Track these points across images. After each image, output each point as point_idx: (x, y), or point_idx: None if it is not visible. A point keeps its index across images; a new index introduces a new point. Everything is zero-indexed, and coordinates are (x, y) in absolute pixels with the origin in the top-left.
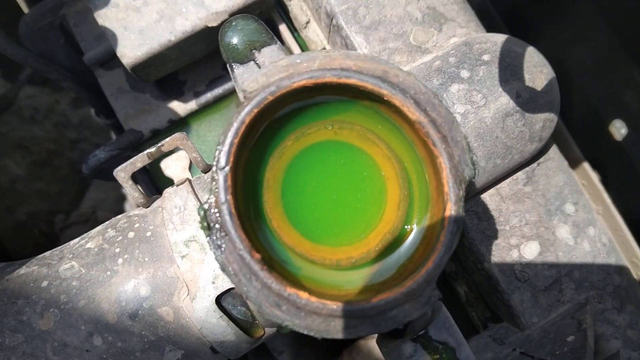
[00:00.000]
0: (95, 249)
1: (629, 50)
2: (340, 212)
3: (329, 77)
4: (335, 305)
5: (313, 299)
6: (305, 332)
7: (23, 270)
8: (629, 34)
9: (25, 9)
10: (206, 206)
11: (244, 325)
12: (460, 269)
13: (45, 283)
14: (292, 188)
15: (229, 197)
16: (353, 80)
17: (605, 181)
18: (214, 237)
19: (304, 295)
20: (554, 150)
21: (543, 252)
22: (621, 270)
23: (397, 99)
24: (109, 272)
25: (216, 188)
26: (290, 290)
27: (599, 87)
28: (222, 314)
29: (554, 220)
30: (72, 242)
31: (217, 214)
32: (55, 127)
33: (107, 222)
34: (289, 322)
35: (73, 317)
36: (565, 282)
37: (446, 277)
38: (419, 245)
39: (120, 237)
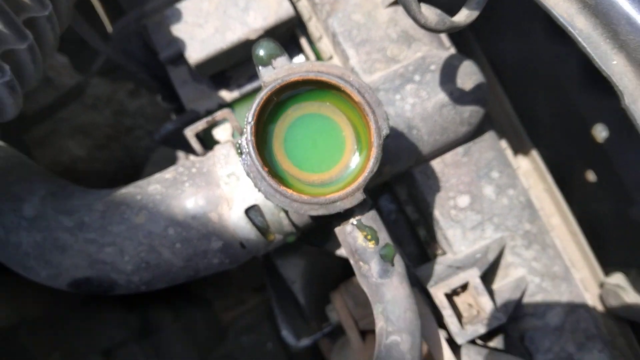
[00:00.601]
0: (171, 178)
1: None
2: (316, 154)
3: (311, 76)
4: (306, 197)
5: (295, 193)
6: (288, 209)
7: (124, 190)
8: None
9: (105, 20)
10: (240, 142)
11: (262, 230)
12: (422, 218)
13: (139, 197)
14: (290, 138)
15: (252, 137)
16: (324, 78)
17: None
18: (244, 157)
19: (289, 191)
20: (489, 135)
21: (472, 203)
22: (533, 221)
23: (348, 89)
24: (179, 191)
25: (246, 132)
26: (282, 188)
27: (584, 94)
28: (248, 220)
29: (482, 181)
30: (155, 175)
31: (246, 146)
32: (114, 115)
33: (177, 164)
34: (280, 204)
35: (157, 216)
36: (487, 224)
37: (412, 224)
38: (358, 171)
39: (187, 172)
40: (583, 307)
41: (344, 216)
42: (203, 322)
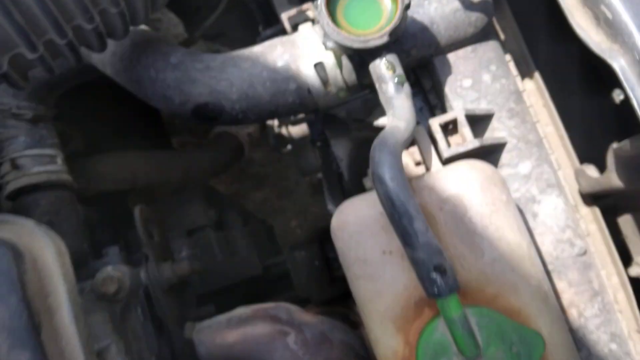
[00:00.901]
0: (268, 44)
1: None
2: (363, 18)
3: None
4: (353, 36)
5: (346, 33)
6: (342, 42)
7: (237, 50)
8: None
9: None
10: (317, 3)
11: (323, 81)
12: (439, 102)
13: (247, 53)
14: (348, 7)
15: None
16: None
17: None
18: (317, 9)
19: (343, 31)
20: (494, 42)
21: (473, 85)
22: (517, 103)
23: None
24: (273, 49)
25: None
26: (339, 29)
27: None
28: (315, 72)
29: (482, 70)
30: (257, 44)
31: (319, 4)
32: None
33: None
34: (337, 39)
35: (257, 63)
36: (482, 100)
37: (432, 108)
38: (387, 23)
39: (279, 40)
40: (547, 164)
41: (375, 54)
42: (265, 236)
